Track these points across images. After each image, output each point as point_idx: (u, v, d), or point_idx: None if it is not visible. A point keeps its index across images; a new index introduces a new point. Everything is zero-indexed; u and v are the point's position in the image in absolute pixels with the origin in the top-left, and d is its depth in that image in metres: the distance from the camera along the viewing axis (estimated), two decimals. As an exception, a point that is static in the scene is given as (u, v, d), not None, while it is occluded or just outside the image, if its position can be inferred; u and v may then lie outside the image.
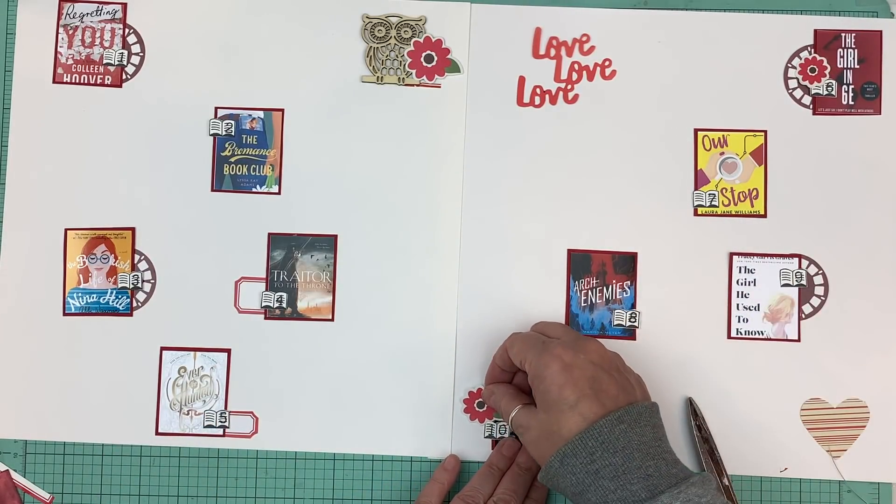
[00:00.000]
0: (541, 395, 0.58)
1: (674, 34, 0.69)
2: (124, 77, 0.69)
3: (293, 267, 0.68)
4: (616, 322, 0.68)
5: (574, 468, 0.55)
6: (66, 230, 0.68)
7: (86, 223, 0.68)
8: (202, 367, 0.67)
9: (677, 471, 0.55)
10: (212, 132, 0.69)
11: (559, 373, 0.57)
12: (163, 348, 0.67)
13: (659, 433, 0.57)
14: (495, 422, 0.67)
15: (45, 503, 0.66)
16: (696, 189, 0.68)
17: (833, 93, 0.69)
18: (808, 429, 0.67)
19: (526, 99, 0.69)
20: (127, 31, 0.69)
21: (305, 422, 0.67)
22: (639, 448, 0.54)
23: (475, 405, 0.67)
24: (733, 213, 0.68)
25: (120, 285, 0.68)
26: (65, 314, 0.68)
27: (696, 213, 0.68)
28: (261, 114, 0.69)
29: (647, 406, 0.57)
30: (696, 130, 0.69)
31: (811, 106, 0.69)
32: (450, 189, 0.68)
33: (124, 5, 0.69)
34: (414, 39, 0.69)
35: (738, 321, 0.68)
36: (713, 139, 0.69)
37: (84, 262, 0.68)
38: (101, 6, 0.69)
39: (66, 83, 0.69)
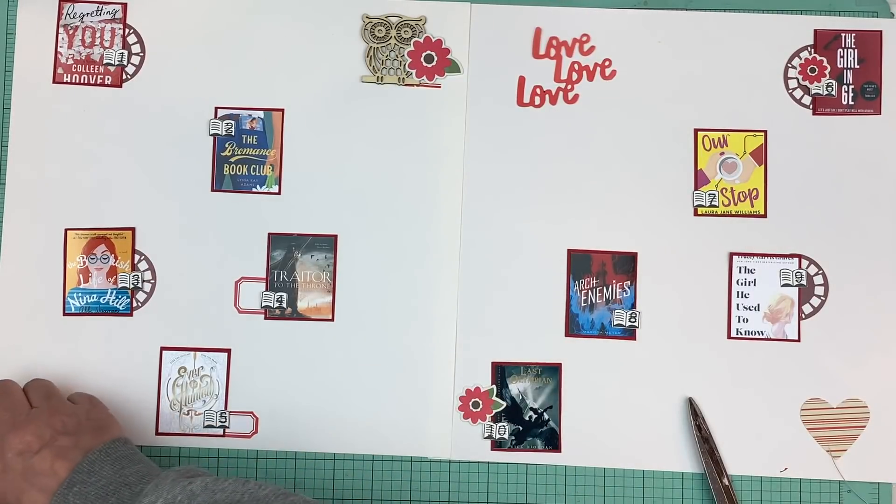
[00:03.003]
0: None
1: (674, 34, 0.69)
2: (124, 77, 0.69)
3: (293, 267, 0.68)
4: (616, 322, 0.68)
5: None
6: (66, 230, 0.68)
7: (86, 223, 0.68)
8: (202, 367, 0.67)
9: (139, 489, 0.54)
10: (212, 132, 0.69)
11: None
12: (163, 348, 0.67)
13: (120, 465, 0.56)
14: (493, 422, 0.67)
15: None
16: (696, 189, 0.68)
17: (833, 93, 0.69)
18: (808, 429, 0.67)
19: (526, 99, 0.69)
20: (127, 31, 0.69)
21: (305, 422, 0.67)
22: (98, 497, 0.53)
23: (470, 405, 0.67)
24: (733, 213, 0.68)
25: (120, 285, 0.68)
26: (65, 314, 0.68)
27: (696, 213, 0.68)
28: (261, 114, 0.69)
29: (99, 451, 0.56)
30: (696, 130, 0.69)
31: (811, 106, 0.69)
32: (450, 189, 0.68)
33: (124, 5, 0.69)
34: (414, 39, 0.69)
35: (738, 321, 0.68)
36: (713, 139, 0.69)
37: (84, 262, 0.68)
38: (101, 6, 0.69)
39: (66, 83, 0.69)
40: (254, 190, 0.68)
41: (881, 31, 0.69)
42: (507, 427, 0.67)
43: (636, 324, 0.68)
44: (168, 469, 0.56)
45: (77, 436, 0.57)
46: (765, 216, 0.68)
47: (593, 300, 0.68)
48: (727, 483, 0.65)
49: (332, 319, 0.68)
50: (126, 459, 0.56)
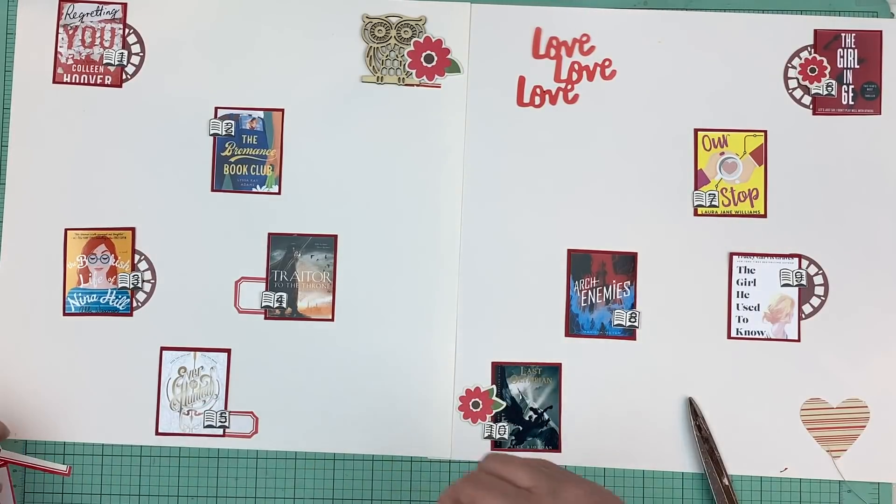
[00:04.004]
0: None
1: (674, 34, 0.69)
2: (124, 77, 0.69)
3: (293, 267, 0.68)
4: (616, 322, 0.68)
5: None
6: (66, 230, 0.68)
7: (86, 223, 0.68)
8: (202, 367, 0.67)
9: None
10: (212, 132, 0.69)
11: None
12: (163, 348, 0.67)
13: None
14: (493, 422, 0.67)
15: (65, 474, 0.66)
16: (696, 189, 0.68)
17: (833, 93, 0.69)
18: (808, 429, 0.67)
19: (526, 99, 0.69)
20: (127, 31, 0.69)
21: (305, 422, 0.67)
22: None
23: (470, 405, 0.67)
24: (733, 213, 0.68)
25: (120, 285, 0.68)
26: (65, 314, 0.68)
27: (696, 213, 0.68)
28: (261, 114, 0.69)
29: None
30: (696, 130, 0.69)
31: (811, 106, 0.69)
32: (450, 189, 0.68)
33: (124, 5, 0.69)
34: (414, 39, 0.69)
35: (738, 321, 0.68)
36: (713, 139, 0.69)
37: (84, 262, 0.68)
38: (101, 6, 0.69)
39: (66, 83, 0.69)
40: (254, 190, 0.69)
41: (881, 31, 0.69)
42: (507, 427, 0.67)
43: (636, 324, 0.68)
44: None
45: None
46: (765, 216, 0.68)
47: (593, 300, 0.68)
48: (727, 483, 0.65)
49: (332, 319, 0.68)
50: None
